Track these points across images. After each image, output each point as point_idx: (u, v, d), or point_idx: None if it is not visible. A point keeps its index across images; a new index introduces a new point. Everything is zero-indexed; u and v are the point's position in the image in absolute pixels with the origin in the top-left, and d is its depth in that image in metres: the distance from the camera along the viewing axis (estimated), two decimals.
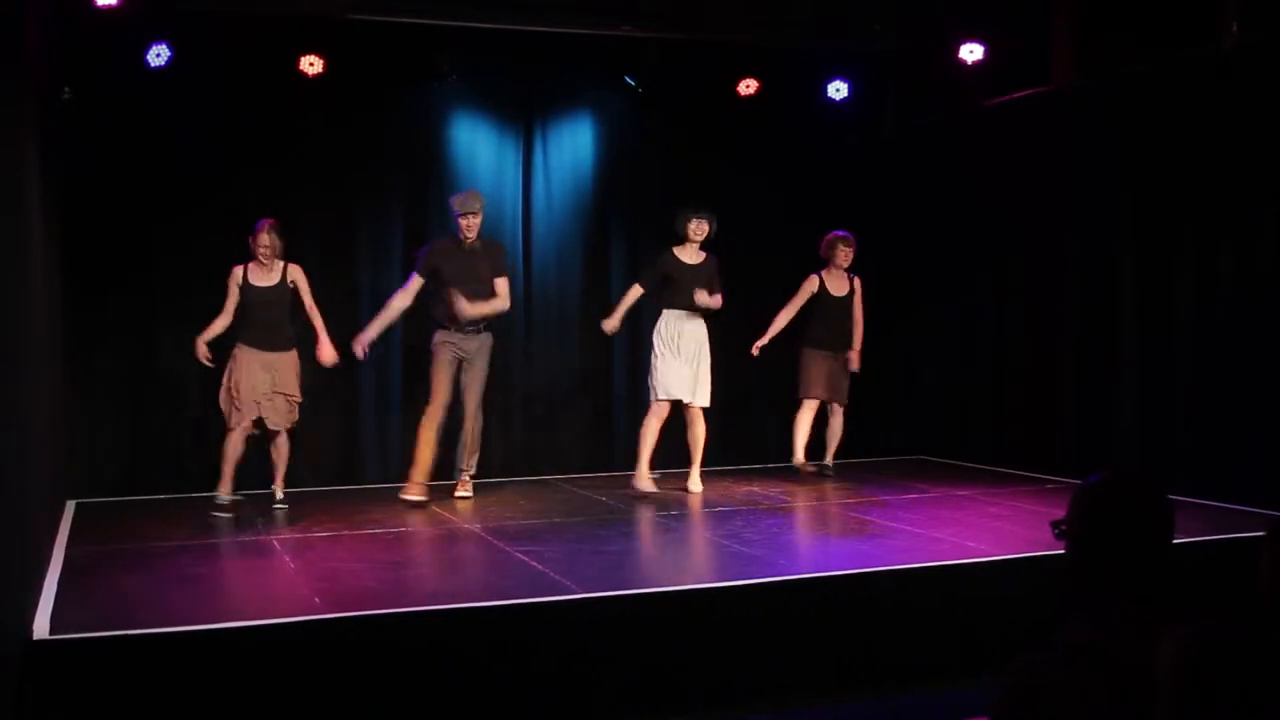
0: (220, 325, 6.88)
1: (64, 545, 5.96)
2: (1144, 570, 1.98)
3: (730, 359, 7.98)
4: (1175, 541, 2.04)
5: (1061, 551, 2.08)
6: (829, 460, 8.28)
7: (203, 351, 6.83)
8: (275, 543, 6.07)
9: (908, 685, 4.92)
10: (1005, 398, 8.64)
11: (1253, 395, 6.72)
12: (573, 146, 8.81)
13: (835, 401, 8.18)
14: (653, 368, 7.51)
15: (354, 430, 8.26)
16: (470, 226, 7.17)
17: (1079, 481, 2.11)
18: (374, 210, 8.24)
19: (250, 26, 7.22)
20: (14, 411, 4.33)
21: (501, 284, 7.32)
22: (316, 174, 7.99)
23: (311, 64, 7.61)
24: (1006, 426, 8.61)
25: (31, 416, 4.95)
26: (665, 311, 7.53)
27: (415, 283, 7.24)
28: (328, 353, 7.02)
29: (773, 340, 8.07)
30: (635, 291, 7.65)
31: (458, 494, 7.40)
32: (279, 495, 6.99)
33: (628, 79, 8.45)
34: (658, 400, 7.48)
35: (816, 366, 8.09)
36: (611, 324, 7.64)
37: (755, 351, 7.95)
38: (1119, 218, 7.65)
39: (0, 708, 3.73)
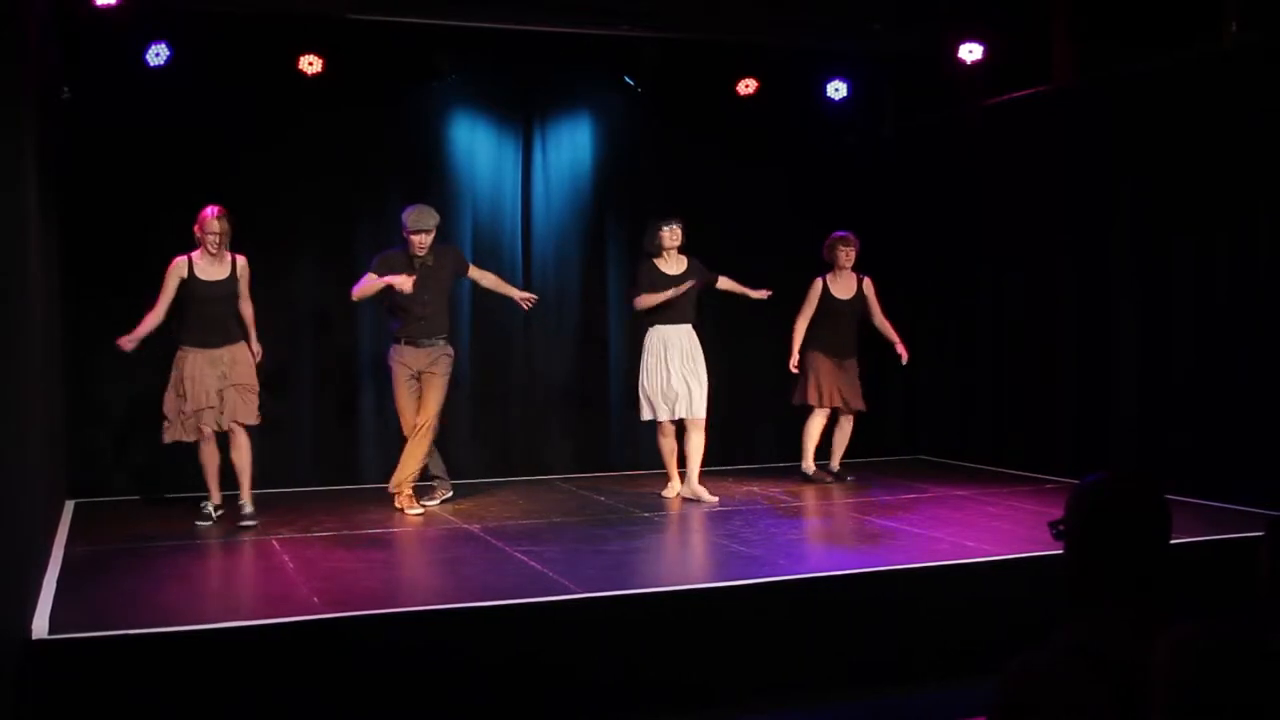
0: (152, 323, 6.47)
1: (63, 545, 5.96)
2: (1142, 570, 1.98)
3: (730, 359, 7.98)
4: (1173, 541, 2.04)
5: (1060, 552, 2.08)
6: (835, 465, 8.22)
7: (127, 344, 6.45)
8: (274, 543, 6.07)
9: (907, 685, 4.92)
10: (1005, 398, 8.65)
11: (1252, 395, 6.72)
12: (572, 146, 8.81)
13: (844, 409, 8.07)
14: (644, 388, 7.39)
15: (354, 430, 8.25)
16: (421, 245, 6.91)
17: (1077, 482, 2.11)
18: (374, 210, 8.22)
19: (249, 26, 7.22)
20: (14, 411, 4.33)
21: (475, 270, 7.30)
22: (316, 174, 7.99)
23: (311, 64, 7.60)
24: (1006, 426, 8.61)
25: (31, 416, 4.95)
26: (652, 328, 7.41)
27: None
28: (255, 350, 6.71)
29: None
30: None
31: (411, 509, 6.98)
32: (248, 509, 6.50)
33: (627, 79, 8.44)
34: (660, 421, 7.42)
35: (823, 374, 7.94)
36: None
37: (794, 369, 7.87)
38: (1118, 217, 7.64)
39: None
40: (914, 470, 8.65)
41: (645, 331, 7.46)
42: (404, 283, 6.80)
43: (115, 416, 7.66)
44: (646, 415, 7.48)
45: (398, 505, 6.97)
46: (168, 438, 6.61)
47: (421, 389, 7.06)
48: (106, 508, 7.16)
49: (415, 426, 7.01)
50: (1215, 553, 5.53)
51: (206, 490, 6.65)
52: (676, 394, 7.35)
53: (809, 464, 8.08)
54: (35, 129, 5.28)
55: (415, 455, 7.00)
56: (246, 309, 6.72)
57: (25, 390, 4.76)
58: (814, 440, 8.09)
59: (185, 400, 6.49)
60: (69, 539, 6.15)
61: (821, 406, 7.99)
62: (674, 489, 7.51)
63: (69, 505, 7.10)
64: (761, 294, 7.61)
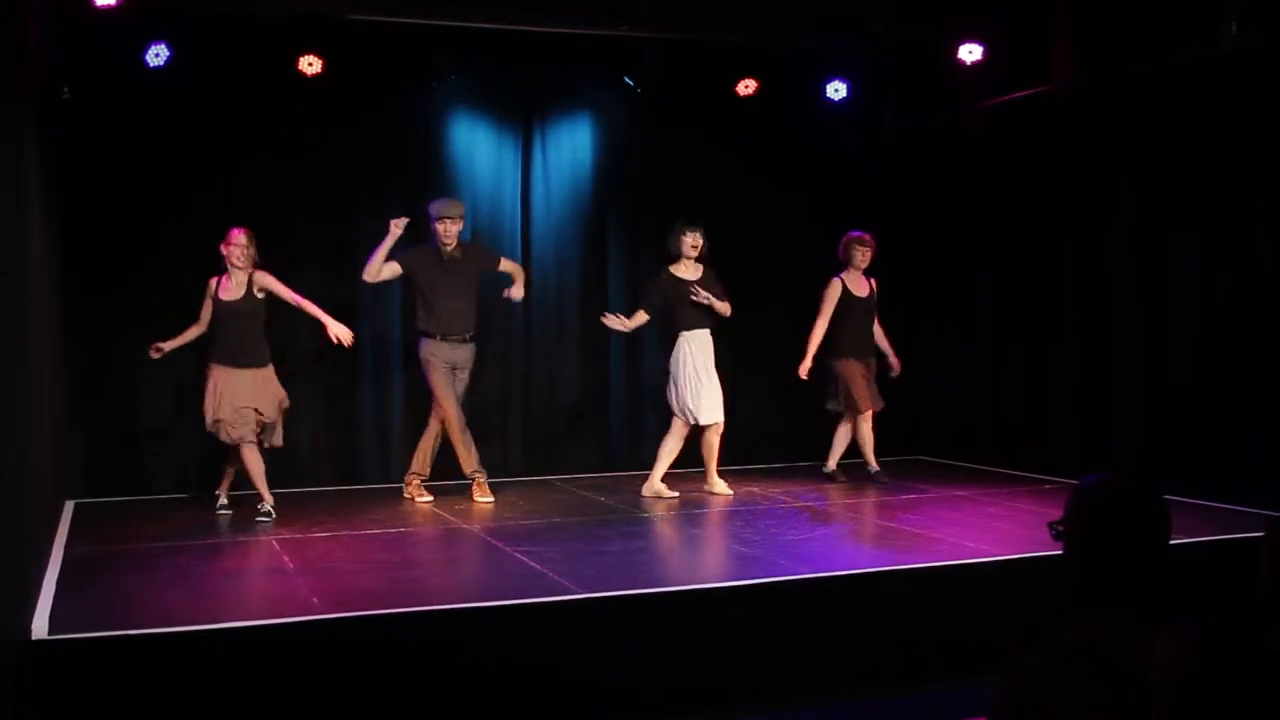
0: (194, 333, 6.82)
1: (63, 545, 5.96)
2: (1141, 571, 1.98)
3: (730, 360, 7.96)
4: (1174, 542, 2.04)
5: (1059, 552, 2.08)
6: (874, 464, 8.08)
7: (157, 350, 6.77)
8: (275, 543, 6.07)
9: (908, 685, 4.92)
10: (1004, 398, 8.64)
11: (1252, 395, 6.72)
12: (572, 146, 8.81)
13: (874, 409, 8.06)
14: (683, 391, 7.41)
15: (354, 430, 8.25)
16: (449, 233, 7.24)
17: (1077, 482, 2.11)
18: (374, 210, 8.21)
19: (250, 26, 7.21)
20: (14, 411, 4.33)
21: (507, 263, 7.59)
22: (316, 174, 7.99)
23: (311, 64, 7.60)
24: (1006, 426, 8.61)
25: (31, 416, 4.95)
26: (684, 334, 7.44)
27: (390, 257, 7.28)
28: (338, 329, 6.84)
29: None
30: (641, 317, 7.55)
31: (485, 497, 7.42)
32: (266, 506, 6.77)
33: (627, 79, 8.44)
34: (690, 422, 7.44)
35: (860, 376, 7.89)
36: (619, 323, 7.54)
37: (805, 375, 7.79)
38: (1118, 218, 7.64)
39: None
40: (914, 470, 8.65)
41: (671, 337, 7.50)
42: (399, 224, 7.12)
43: (115, 417, 7.65)
44: (684, 423, 7.48)
45: (478, 497, 7.36)
46: (225, 437, 6.75)
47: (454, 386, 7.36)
48: (106, 508, 7.16)
49: (460, 421, 7.32)
50: (1215, 553, 5.53)
51: (257, 491, 6.79)
52: (716, 402, 7.43)
53: (832, 465, 8.12)
54: (35, 129, 5.28)
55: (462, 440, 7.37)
56: (306, 306, 6.84)
57: (25, 390, 4.76)
58: (845, 445, 8.11)
59: (224, 414, 6.66)
60: (69, 539, 6.15)
61: (865, 412, 7.93)
62: (661, 488, 7.50)
63: (69, 505, 7.09)
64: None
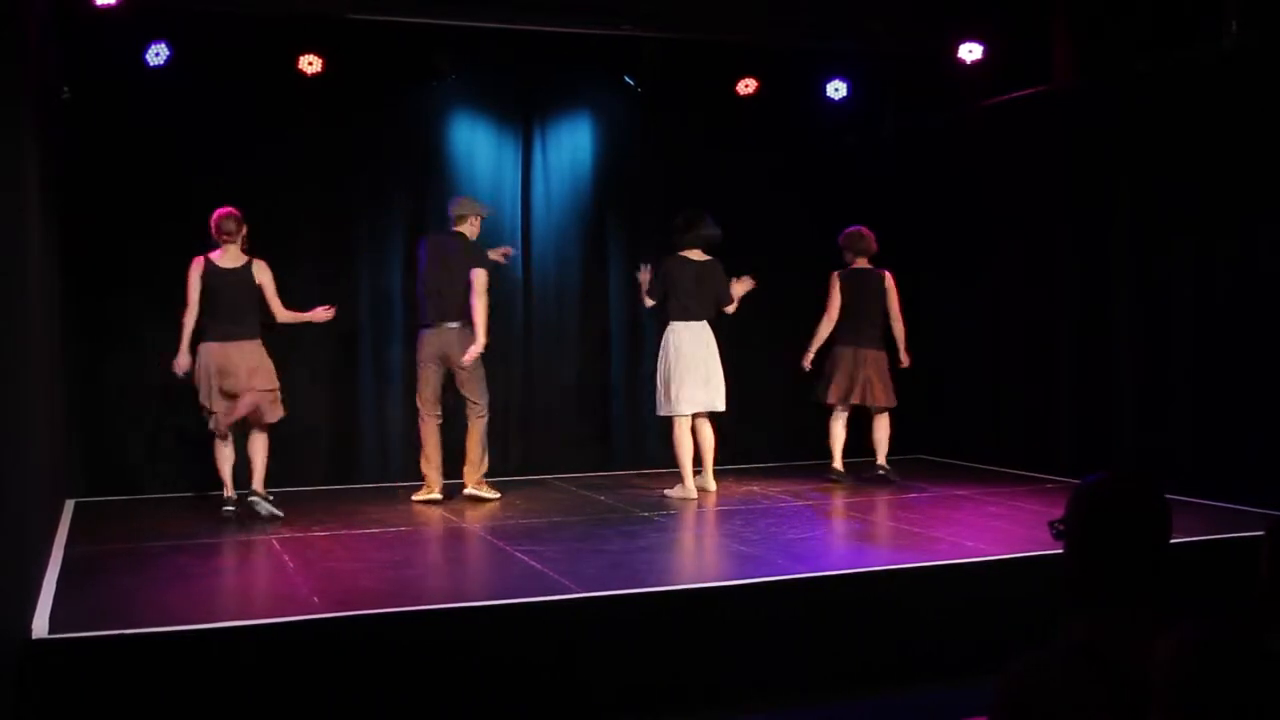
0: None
1: (63, 545, 5.96)
2: (1141, 570, 1.98)
3: (733, 360, 7.96)
4: (1174, 541, 2.04)
5: (1059, 551, 2.08)
6: (885, 462, 8.15)
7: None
8: (275, 542, 6.07)
9: (907, 685, 4.92)
10: (1004, 398, 8.65)
11: (1252, 395, 6.72)
12: (572, 146, 8.81)
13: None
14: (718, 377, 7.53)
15: (354, 430, 8.25)
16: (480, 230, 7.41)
17: (1078, 481, 2.11)
18: (374, 210, 8.23)
19: (250, 26, 7.22)
20: (14, 411, 4.33)
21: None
22: (316, 174, 7.99)
23: (311, 63, 7.60)
24: (1005, 426, 8.61)
25: (31, 416, 4.95)
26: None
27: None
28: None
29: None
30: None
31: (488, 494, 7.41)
32: (268, 498, 6.68)
33: (627, 79, 8.44)
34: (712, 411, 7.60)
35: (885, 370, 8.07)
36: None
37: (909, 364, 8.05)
38: (1118, 218, 7.65)
39: None
40: (914, 470, 8.64)
41: (714, 327, 7.56)
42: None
43: (115, 416, 7.65)
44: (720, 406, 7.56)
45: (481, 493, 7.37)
46: (216, 426, 6.63)
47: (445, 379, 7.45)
48: (106, 508, 7.16)
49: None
50: (1215, 553, 5.53)
51: (220, 484, 6.71)
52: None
53: (841, 464, 8.13)
54: (35, 129, 5.28)
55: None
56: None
57: (26, 390, 4.76)
58: None
59: (213, 391, 6.52)
60: (69, 539, 6.15)
61: (892, 406, 8.07)
62: (694, 489, 7.50)
63: (69, 505, 7.09)
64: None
